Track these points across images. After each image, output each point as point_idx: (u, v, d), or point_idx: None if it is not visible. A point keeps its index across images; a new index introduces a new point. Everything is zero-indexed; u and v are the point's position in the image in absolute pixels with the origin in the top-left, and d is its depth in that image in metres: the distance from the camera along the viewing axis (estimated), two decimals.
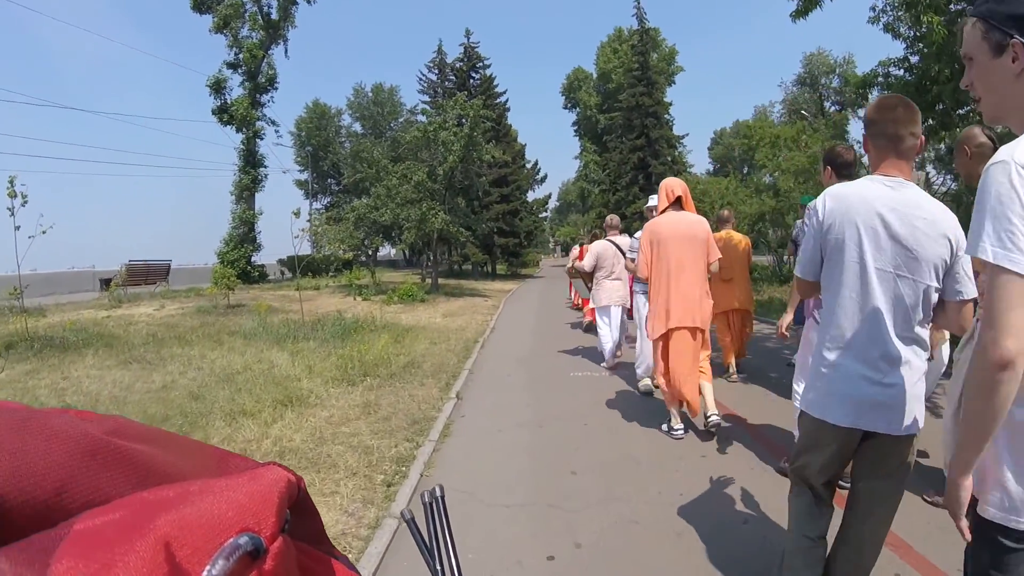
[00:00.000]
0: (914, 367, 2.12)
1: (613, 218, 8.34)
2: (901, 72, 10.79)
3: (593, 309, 8.91)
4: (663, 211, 4.98)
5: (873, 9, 10.29)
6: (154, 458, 0.43)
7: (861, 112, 13.62)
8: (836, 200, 2.19)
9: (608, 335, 7.99)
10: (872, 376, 2.11)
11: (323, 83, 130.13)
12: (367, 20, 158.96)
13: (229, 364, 8.23)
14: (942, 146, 13.97)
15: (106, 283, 19.06)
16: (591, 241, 9.58)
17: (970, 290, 2.07)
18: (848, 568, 2.38)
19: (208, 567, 0.33)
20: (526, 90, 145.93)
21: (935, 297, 2.10)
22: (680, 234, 4.80)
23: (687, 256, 4.78)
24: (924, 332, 2.14)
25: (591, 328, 10.32)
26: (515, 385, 7.21)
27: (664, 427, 5.22)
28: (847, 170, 3.76)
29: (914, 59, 10.40)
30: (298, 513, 0.45)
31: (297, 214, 11.07)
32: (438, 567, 0.74)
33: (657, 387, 5.75)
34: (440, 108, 22.29)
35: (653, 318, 4.98)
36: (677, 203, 4.97)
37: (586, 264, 7.94)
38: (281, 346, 9.55)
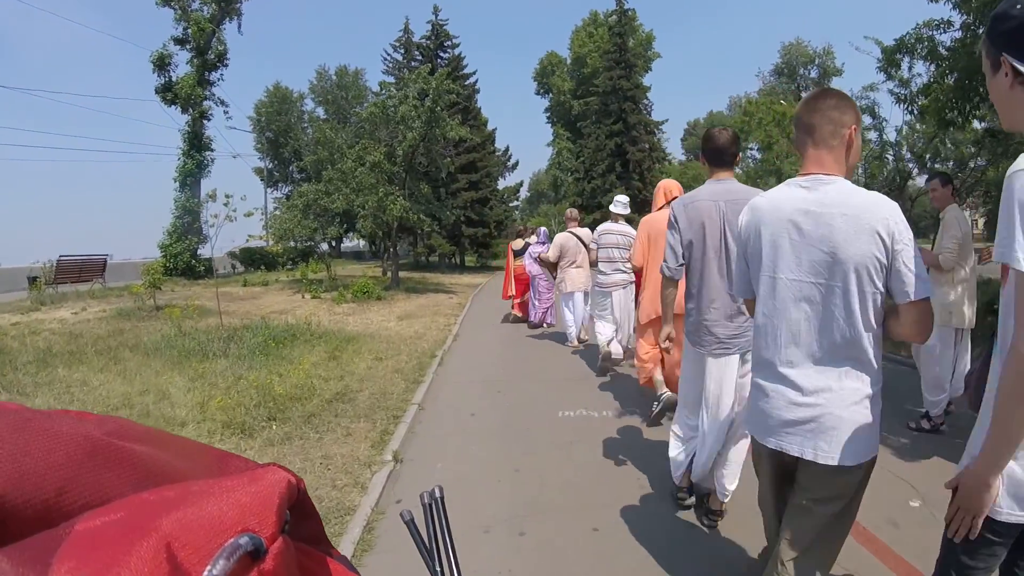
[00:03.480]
0: (847, 386, 1.92)
1: (572, 211, 9.36)
2: (944, 36, 9.05)
3: (520, 303, 11.75)
4: (659, 208, 5.03)
5: None
6: (154, 459, 0.44)
7: (890, 85, 12.03)
8: (750, 212, 2.11)
9: (571, 319, 9.05)
10: (793, 397, 1.97)
11: (285, 66, 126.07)
12: (332, 2, 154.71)
13: (108, 395, 6.21)
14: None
15: (34, 281, 16.86)
16: (514, 238, 11.23)
17: (919, 288, 1.82)
18: None
19: (209, 567, 0.33)
20: (498, 81, 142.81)
21: (875, 302, 1.88)
22: None
23: None
24: (866, 346, 1.90)
25: (518, 320, 11.69)
26: (482, 432, 5.16)
27: (656, 405, 5.13)
28: (719, 157, 3.32)
29: (959, 19, 8.65)
30: (298, 514, 0.46)
31: (212, 196, 8.94)
32: (437, 568, 0.75)
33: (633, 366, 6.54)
34: (402, 82, 20.04)
35: (644, 304, 5.13)
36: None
37: (551, 255, 8.98)
38: (184, 366, 7.46)
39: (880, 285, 1.86)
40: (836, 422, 1.90)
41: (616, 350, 7.20)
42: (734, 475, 3.33)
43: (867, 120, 12.83)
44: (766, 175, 16.61)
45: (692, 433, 3.51)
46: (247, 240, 9.52)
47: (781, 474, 2.17)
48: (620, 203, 7.37)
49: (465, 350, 9.15)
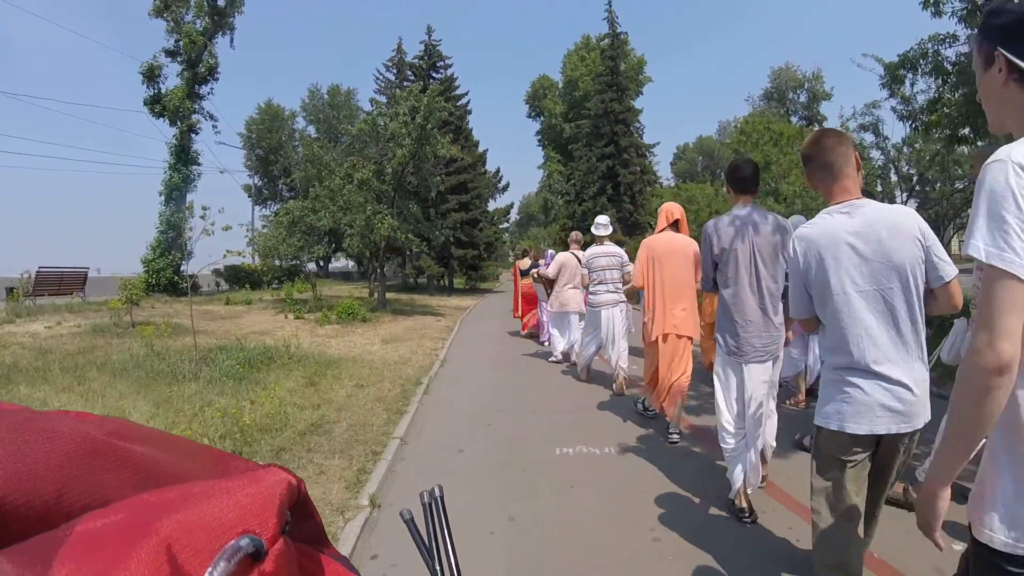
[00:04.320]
0: (916, 368, 2.25)
1: (576, 234, 9.52)
2: (950, 51, 8.80)
3: (527, 323, 12.35)
4: (661, 230, 5.38)
5: None
6: (155, 460, 0.44)
7: (894, 103, 11.73)
8: (804, 242, 2.36)
9: (560, 337, 9.41)
10: (885, 386, 2.22)
11: (278, 84, 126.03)
12: (327, 22, 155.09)
13: None
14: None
15: (11, 292, 16.38)
16: (520, 257, 11.35)
17: (949, 270, 2.20)
18: None
19: (209, 569, 0.33)
20: (490, 104, 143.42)
21: (920, 293, 2.23)
22: (674, 251, 5.23)
23: (679, 271, 5.21)
24: (920, 329, 2.25)
25: (531, 336, 12.13)
26: (471, 472, 4.61)
27: (668, 433, 5.33)
28: (743, 186, 3.73)
29: (964, 33, 8.41)
30: (298, 515, 0.46)
31: (189, 209, 8.42)
32: (437, 567, 0.75)
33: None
34: (393, 100, 19.63)
35: (649, 324, 5.37)
36: (674, 225, 5.39)
37: (551, 272, 9.20)
38: (151, 389, 6.92)
39: (922, 278, 2.22)
40: (913, 398, 2.22)
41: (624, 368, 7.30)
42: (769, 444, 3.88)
43: (870, 138, 12.53)
44: (763, 195, 16.25)
45: (739, 439, 3.76)
46: (224, 255, 8.89)
47: (856, 466, 2.37)
48: (601, 225, 7.46)
49: (453, 376, 8.62)
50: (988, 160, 1.26)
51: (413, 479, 4.48)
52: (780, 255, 3.60)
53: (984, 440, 1.36)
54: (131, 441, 0.43)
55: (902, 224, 2.22)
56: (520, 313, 12.92)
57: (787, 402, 6.19)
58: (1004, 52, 1.33)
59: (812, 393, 6.15)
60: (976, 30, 1.48)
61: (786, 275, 3.14)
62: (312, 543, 0.50)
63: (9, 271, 19.53)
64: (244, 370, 7.73)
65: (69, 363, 8.10)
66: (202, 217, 8.47)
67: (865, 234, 2.23)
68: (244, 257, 9.41)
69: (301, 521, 0.47)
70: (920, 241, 2.20)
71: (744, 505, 3.66)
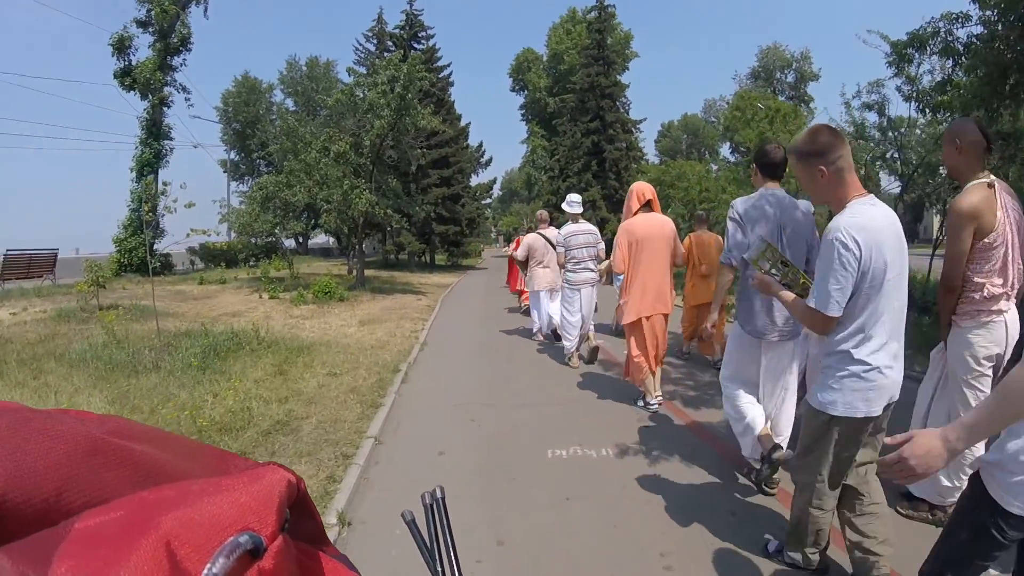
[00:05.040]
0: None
1: (543, 213, 9.93)
2: (961, 32, 8.37)
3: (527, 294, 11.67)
4: (635, 212, 5.53)
5: None
6: (154, 458, 0.44)
7: (899, 83, 11.21)
8: (866, 232, 2.30)
9: (537, 316, 9.56)
10: (895, 367, 2.42)
11: (255, 57, 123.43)
12: None
13: None
14: None
15: None
16: (528, 233, 11.17)
17: None
18: None
19: (208, 565, 0.33)
20: (473, 77, 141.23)
21: None
22: (653, 234, 5.39)
23: (658, 253, 5.40)
24: None
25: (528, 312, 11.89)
26: (453, 481, 4.06)
27: (640, 403, 5.74)
28: (773, 171, 3.84)
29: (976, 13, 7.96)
30: (298, 513, 0.46)
31: (149, 184, 7.78)
32: (438, 568, 0.75)
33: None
34: (372, 70, 18.84)
35: (630, 305, 5.53)
36: (647, 206, 5.57)
37: (519, 254, 9.54)
38: (109, 381, 6.39)
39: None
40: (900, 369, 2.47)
41: (598, 342, 7.67)
42: (789, 420, 3.87)
43: (873, 118, 11.93)
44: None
45: (750, 405, 3.85)
46: (187, 235, 8.25)
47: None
48: (574, 202, 7.64)
49: (433, 362, 8.11)
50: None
51: (387, 490, 3.98)
52: (805, 240, 3.68)
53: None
54: (131, 439, 0.43)
55: (896, 220, 2.42)
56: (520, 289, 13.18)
57: None
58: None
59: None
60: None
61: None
62: (312, 541, 0.50)
63: None
64: (209, 359, 7.16)
65: (28, 353, 7.52)
66: (162, 193, 7.82)
67: (893, 224, 2.39)
68: (210, 235, 8.74)
69: (300, 519, 0.47)
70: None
71: (770, 445, 3.68)
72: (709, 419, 5.30)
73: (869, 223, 2.31)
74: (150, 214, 8.20)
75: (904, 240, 2.42)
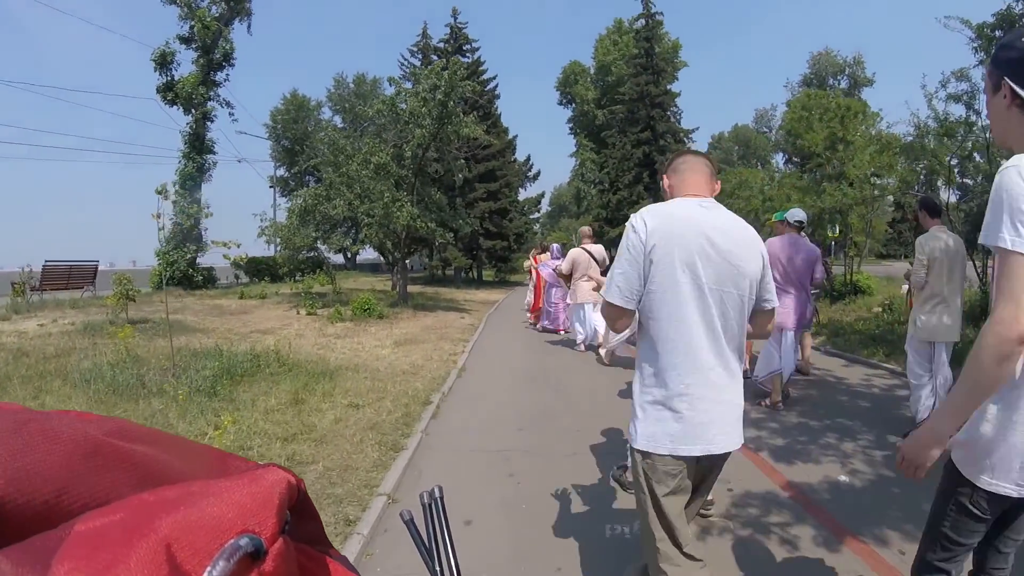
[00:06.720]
0: (738, 379, 2.12)
1: (586, 229, 10.40)
2: None
3: (536, 314, 13.29)
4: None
5: None
6: (155, 459, 0.44)
7: (984, 71, 9.97)
8: (659, 219, 2.06)
9: (581, 328, 9.96)
10: (713, 396, 2.04)
11: (303, 74, 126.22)
12: (354, 9, 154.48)
13: None
14: None
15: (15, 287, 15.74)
16: (540, 252, 11.55)
17: (775, 298, 2.21)
18: None
19: (209, 568, 0.33)
20: (519, 92, 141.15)
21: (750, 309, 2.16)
22: None
23: None
24: (743, 343, 2.16)
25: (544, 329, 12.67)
26: (479, 561, 3.12)
27: None
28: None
29: None
30: (298, 514, 0.46)
31: (162, 190, 7.11)
32: (437, 568, 0.74)
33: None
34: (414, 77, 18.25)
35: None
36: None
37: (563, 267, 9.74)
38: (109, 405, 5.81)
39: (752, 295, 2.21)
40: (739, 411, 2.25)
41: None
42: None
43: (960, 111, 10.48)
44: (833, 178, 14.22)
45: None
46: (209, 246, 7.63)
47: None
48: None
49: (471, 392, 7.16)
50: (1001, 167, 1.48)
51: (396, 570, 3.07)
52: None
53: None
54: (131, 441, 0.43)
55: (753, 238, 2.17)
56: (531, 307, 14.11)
57: (762, 403, 6.22)
58: (1009, 81, 1.51)
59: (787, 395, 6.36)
60: (990, 60, 1.62)
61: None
62: (312, 543, 0.50)
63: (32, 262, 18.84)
64: (221, 384, 6.41)
65: (36, 370, 6.99)
66: (162, 196, 7.10)
67: (723, 232, 2.11)
68: (231, 248, 8.09)
69: (301, 521, 0.47)
70: (763, 260, 2.17)
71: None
72: (807, 478, 4.26)
73: (662, 211, 2.15)
74: (190, 223, 7.64)
75: (747, 252, 2.14)
